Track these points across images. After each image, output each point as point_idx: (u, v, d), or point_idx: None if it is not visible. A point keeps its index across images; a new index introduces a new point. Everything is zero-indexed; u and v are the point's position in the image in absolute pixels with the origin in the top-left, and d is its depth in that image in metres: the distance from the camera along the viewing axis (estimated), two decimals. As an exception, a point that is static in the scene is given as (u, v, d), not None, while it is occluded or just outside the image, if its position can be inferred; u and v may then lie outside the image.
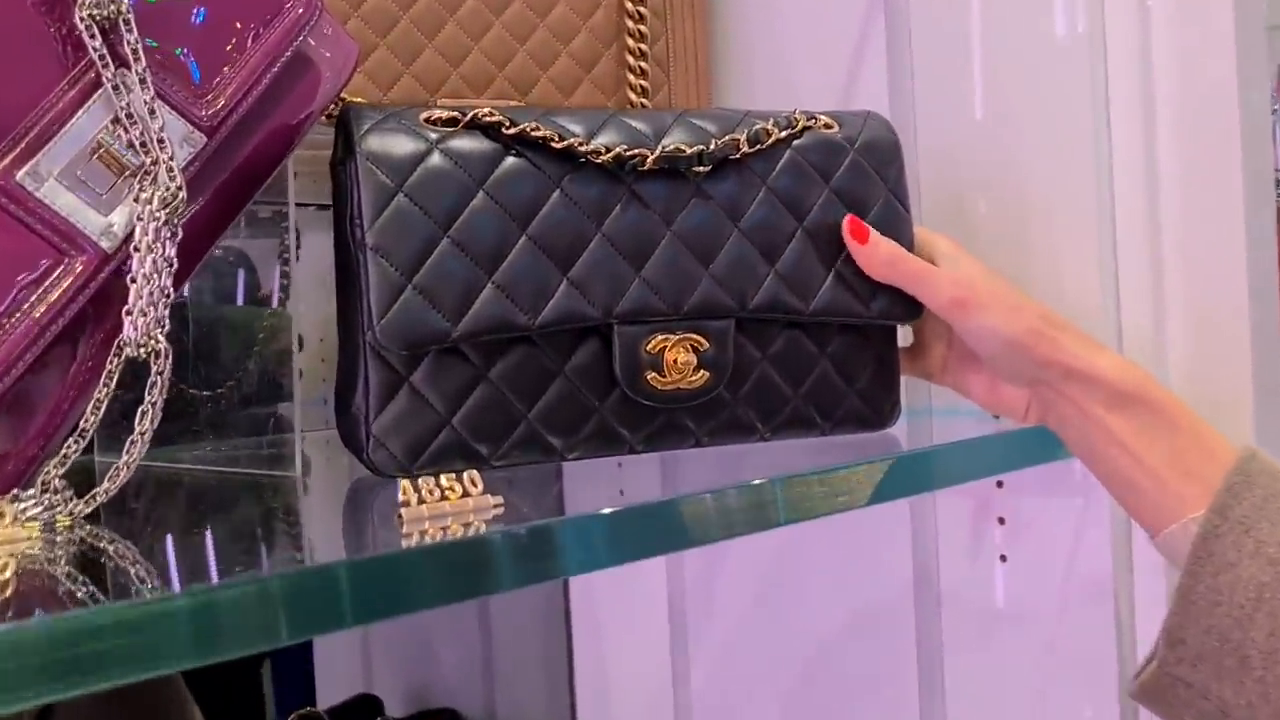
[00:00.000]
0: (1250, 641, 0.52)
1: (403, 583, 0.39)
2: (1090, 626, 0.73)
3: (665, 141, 0.60)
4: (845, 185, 0.64)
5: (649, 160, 0.59)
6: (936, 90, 0.80)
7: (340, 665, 1.36)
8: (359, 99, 0.67)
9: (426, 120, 0.57)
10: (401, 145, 0.56)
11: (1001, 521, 0.77)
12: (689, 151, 0.59)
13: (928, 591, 0.81)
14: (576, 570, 0.46)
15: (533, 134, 0.57)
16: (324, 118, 0.66)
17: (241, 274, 1.03)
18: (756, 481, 0.54)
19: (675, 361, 0.59)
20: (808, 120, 0.64)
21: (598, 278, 0.58)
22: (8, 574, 0.40)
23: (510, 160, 0.57)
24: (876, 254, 0.63)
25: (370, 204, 0.55)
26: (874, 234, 0.63)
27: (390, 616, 0.38)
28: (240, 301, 1.03)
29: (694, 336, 0.60)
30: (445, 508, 0.44)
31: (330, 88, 0.58)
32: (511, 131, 0.57)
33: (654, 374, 0.59)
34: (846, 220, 0.63)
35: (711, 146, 0.60)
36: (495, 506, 0.45)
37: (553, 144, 0.57)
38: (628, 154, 0.58)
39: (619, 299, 0.58)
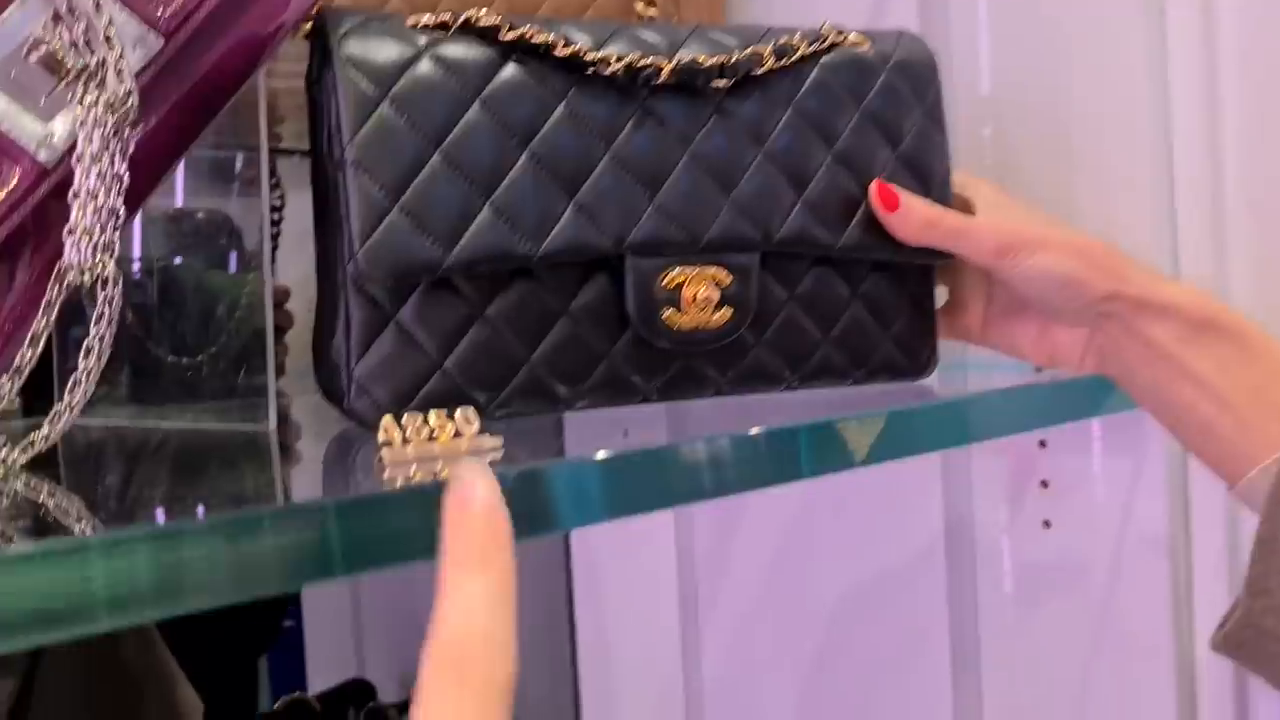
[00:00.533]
0: None
1: (372, 534, 0.33)
2: (1142, 598, 0.67)
3: (681, 54, 0.53)
4: (878, 108, 0.58)
5: (664, 72, 0.52)
6: (973, 11, 0.73)
7: (332, 649, 1.30)
8: (342, 15, 0.61)
9: (414, 25, 0.51)
10: (386, 50, 0.49)
11: (1045, 485, 0.71)
12: (708, 63, 0.53)
13: (962, 561, 0.75)
14: (572, 524, 0.39)
15: (534, 39, 0.51)
16: (302, 36, 0.60)
17: (223, 236, 0.98)
18: (777, 427, 0.48)
19: (695, 297, 0.53)
20: (837, 35, 0.58)
21: (608, 204, 0.52)
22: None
23: (509, 69, 0.51)
24: (910, 220, 0.57)
25: (350, 115, 0.48)
26: (905, 197, 0.57)
27: (330, 576, 0.32)
28: (222, 266, 0.97)
29: (715, 271, 0.54)
30: (434, 449, 0.38)
31: (302, -2, 0.52)
32: (510, 36, 0.50)
33: (671, 311, 0.53)
34: (874, 186, 0.57)
35: (733, 59, 0.54)
36: (492, 449, 0.39)
37: (556, 51, 0.51)
38: (640, 64, 0.52)
39: (632, 228, 0.52)
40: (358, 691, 1.20)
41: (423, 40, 0.50)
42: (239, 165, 0.91)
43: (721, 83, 0.54)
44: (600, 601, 1.01)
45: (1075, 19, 0.69)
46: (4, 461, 0.41)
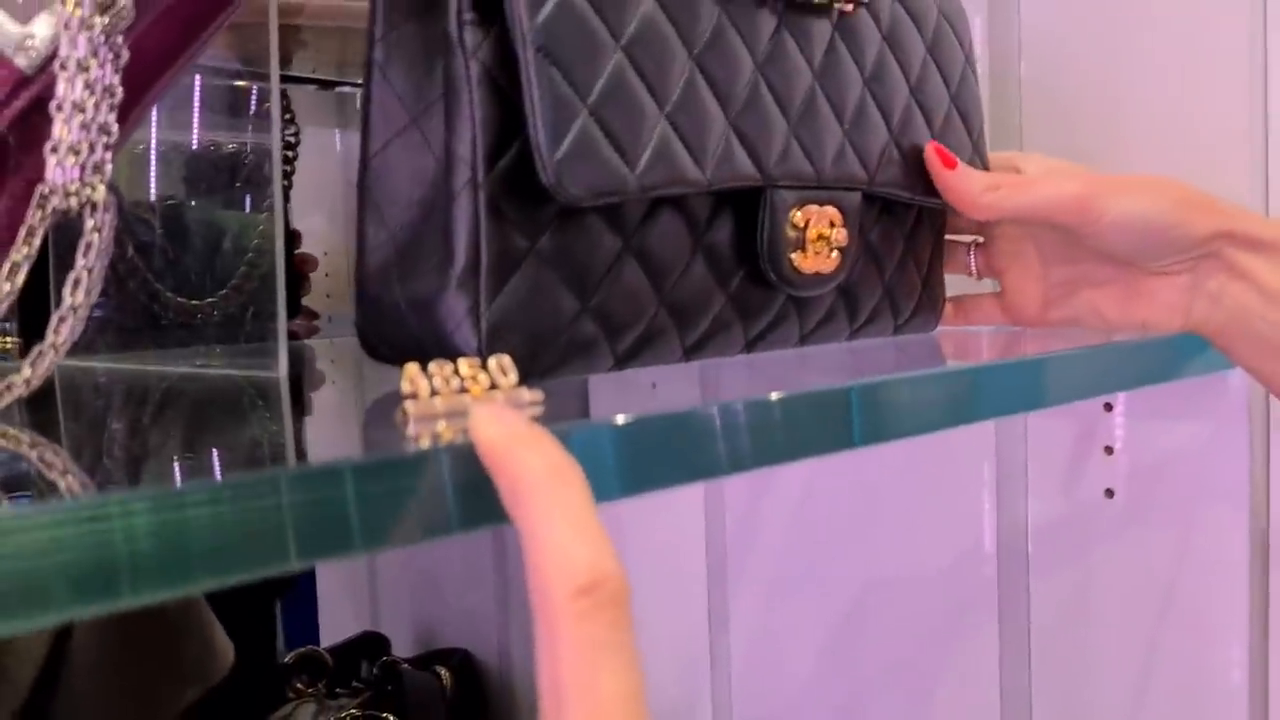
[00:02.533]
0: None
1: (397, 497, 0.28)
2: (1214, 579, 0.63)
3: None
4: (934, 45, 0.56)
5: None
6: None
7: (345, 601, 1.27)
8: (359, -78, 0.56)
9: None
10: None
11: (1109, 451, 0.66)
12: None
13: (1014, 533, 0.70)
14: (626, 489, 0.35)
15: None
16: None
17: (236, 173, 0.93)
18: (829, 388, 0.43)
19: (818, 238, 0.49)
20: None
21: (756, 128, 0.46)
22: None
23: None
24: (971, 183, 0.54)
25: None
26: (963, 164, 0.55)
27: (341, 555, 0.27)
28: (234, 205, 0.93)
29: (832, 210, 0.50)
30: (465, 402, 0.33)
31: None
32: None
33: (798, 254, 0.49)
34: (931, 147, 0.54)
35: None
36: (533, 402, 0.34)
37: None
38: None
39: (774, 157, 0.47)
40: (371, 644, 1.17)
41: None
42: (254, 97, 0.86)
43: (847, 6, 0.50)
44: (624, 554, 0.97)
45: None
46: (-20, 407, 0.37)
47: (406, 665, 1.11)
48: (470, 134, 0.40)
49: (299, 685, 1.08)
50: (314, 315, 0.99)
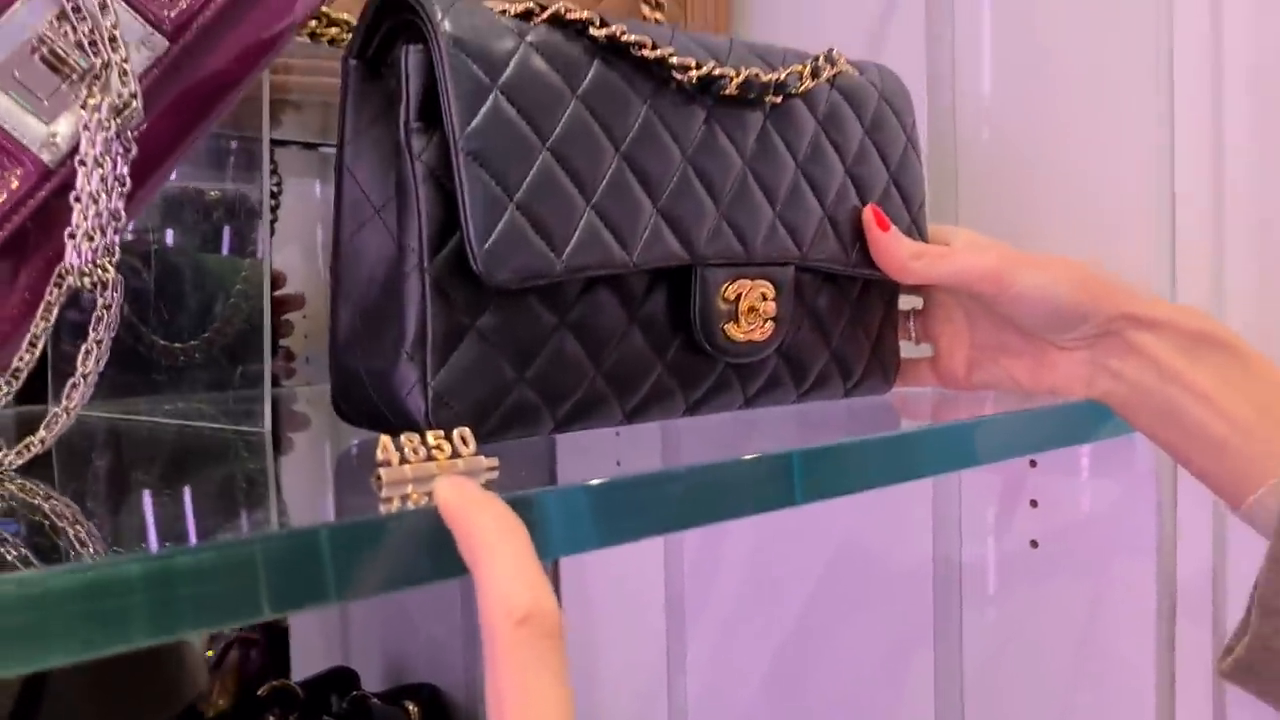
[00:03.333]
0: None
1: (367, 558, 0.33)
2: (1126, 620, 0.68)
3: (731, 64, 0.53)
4: (873, 127, 0.60)
5: (732, 84, 0.52)
6: (977, 40, 0.73)
7: (317, 637, 1.30)
8: (344, 15, 0.61)
9: (500, 12, 0.47)
10: (492, 35, 0.46)
11: (1034, 504, 0.71)
12: (765, 78, 0.53)
13: (948, 579, 0.75)
14: (563, 551, 0.39)
15: (624, 38, 0.49)
16: (307, 35, 0.59)
17: (219, 219, 0.97)
18: (774, 453, 0.48)
19: (750, 310, 0.53)
20: (843, 62, 0.59)
21: (685, 211, 0.51)
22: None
23: (599, 67, 0.49)
24: (900, 249, 0.59)
25: (463, 101, 0.44)
26: (895, 229, 0.59)
27: (324, 603, 0.32)
28: (216, 249, 0.97)
29: (763, 284, 0.54)
30: (432, 469, 0.38)
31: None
32: (601, 32, 0.48)
33: (731, 325, 0.53)
34: (869, 210, 0.59)
35: (783, 75, 0.54)
36: (489, 469, 0.39)
37: (644, 52, 0.49)
38: (714, 74, 0.51)
39: (700, 237, 0.51)
40: (341, 679, 1.20)
41: (514, 28, 0.47)
42: (234, 151, 0.91)
43: (776, 99, 0.54)
44: (586, 605, 1.01)
45: (1078, 39, 0.69)
46: (2, 464, 0.41)
47: (376, 699, 1.14)
48: (417, 226, 0.45)
49: (271, 718, 1.11)
50: (291, 356, 1.03)
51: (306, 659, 1.26)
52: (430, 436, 0.38)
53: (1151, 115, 0.67)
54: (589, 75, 0.48)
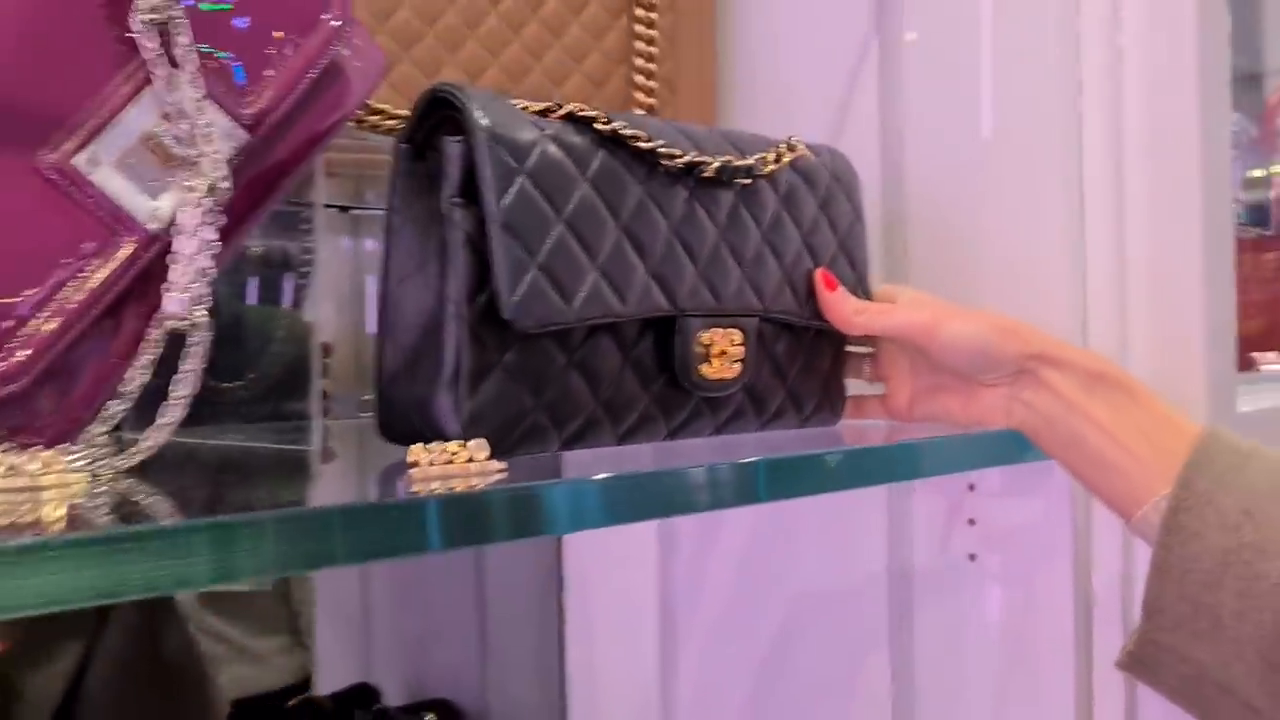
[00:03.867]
0: (1220, 604, 0.56)
1: (404, 528, 0.44)
2: (1049, 620, 0.78)
3: (708, 151, 0.65)
4: (825, 202, 0.72)
5: (710, 168, 0.64)
6: (921, 132, 0.85)
7: (340, 654, 1.40)
8: (384, 105, 0.73)
9: (523, 109, 0.59)
10: (517, 129, 0.57)
11: (972, 522, 0.82)
12: (738, 164, 0.65)
13: (902, 590, 0.86)
14: (568, 528, 0.50)
15: (623, 132, 0.61)
16: (353, 123, 0.71)
17: (263, 273, 1.08)
18: (743, 461, 0.59)
19: (722, 354, 0.64)
20: (802, 147, 0.70)
21: (669, 273, 0.62)
22: (60, 512, 0.45)
23: (603, 155, 0.60)
24: (844, 305, 0.70)
25: (497, 183, 0.56)
26: (841, 289, 0.70)
27: (391, 557, 0.43)
28: (262, 299, 1.08)
29: (735, 332, 0.65)
30: (452, 470, 0.49)
31: (359, 94, 0.64)
32: (607, 128, 0.60)
33: (705, 365, 0.64)
34: (818, 273, 0.70)
35: (751, 162, 0.66)
36: (499, 471, 0.50)
37: (639, 144, 0.61)
38: (696, 161, 0.63)
39: (684, 294, 0.63)
40: (364, 694, 1.30)
41: (538, 123, 0.59)
42: (277, 212, 1.03)
43: (746, 181, 0.66)
44: (589, 630, 1.11)
45: (1007, 132, 0.81)
46: (114, 468, 0.52)
47: (397, 712, 1.24)
48: (456, 281, 0.56)
49: (300, 730, 1.21)
50: (325, 395, 1.13)
51: (330, 676, 1.35)
52: (452, 445, 0.49)
53: (1064, 198, 0.78)
54: (595, 162, 0.60)
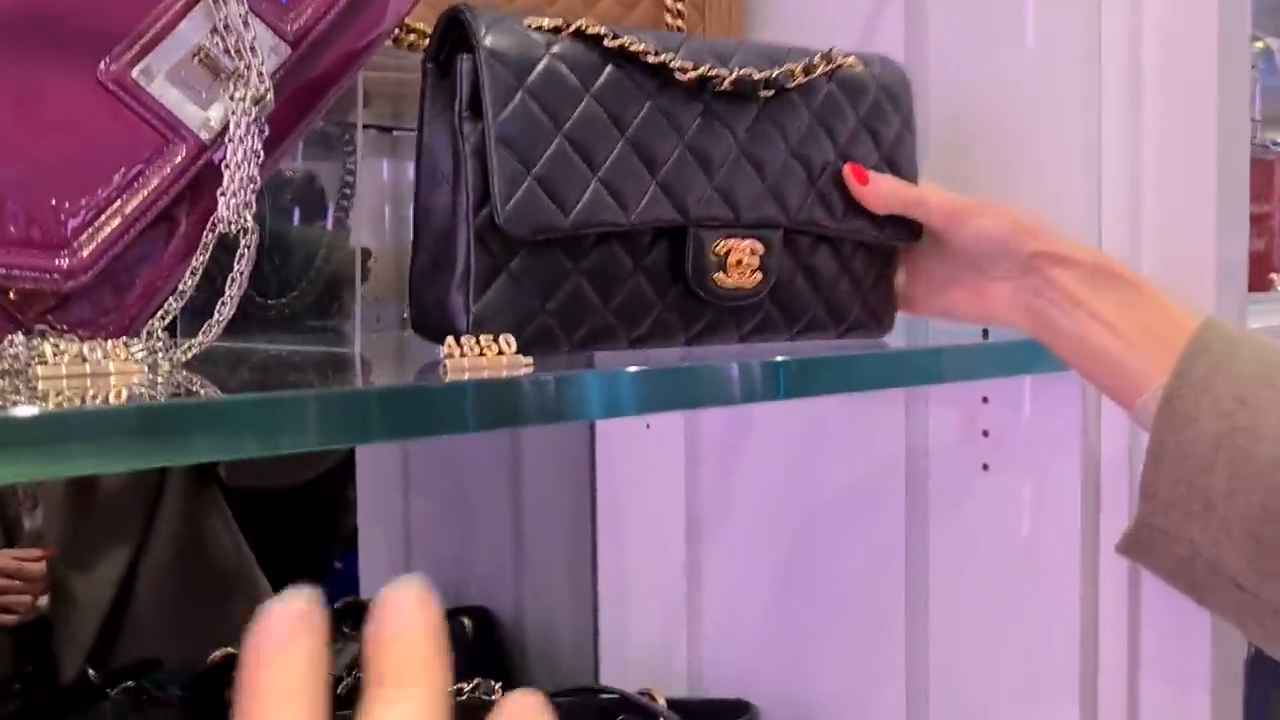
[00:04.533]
0: (1213, 486, 0.60)
1: (441, 409, 0.48)
2: (1057, 527, 0.81)
3: (733, 63, 0.66)
4: (868, 117, 0.72)
5: (726, 81, 0.65)
6: (946, 42, 0.86)
7: (384, 563, 1.46)
8: (420, 24, 0.75)
9: (533, 27, 0.62)
10: (521, 46, 0.60)
11: (985, 434, 0.85)
12: (758, 76, 0.66)
13: (919, 495, 0.89)
14: (599, 414, 0.54)
15: (632, 48, 0.62)
16: (391, 41, 0.74)
17: (305, 194, 1.12)
18: (766, 360, 0.63)
19: (739, 262, 0.66)
20: (842, 58, 0.70)
21: (679, 184, 0.64)
22: (124, 395, 0.50)
23: (610, 70, 0.62)
24: (877, 190, 0.70)
25: (496, 99, 0.59)
26: (872, 174, 0.70)
27: (425, 436, 0.47)
28: (304, 220, 1.12)
29: (752, 243, 0.67)
30: (483, 363, 0.52)
31: (397, 12, 0.66)
32: (614, 44, 0.62)
33: (720, 274, 0.65)
34: (846, 168, 0.70)
35: (774, 74, 0.67)
36: (527, 365, 0.53)
37: (648, 57, 0.62)
38: (710, 74, 0.64)
39: (695, 205, 0.65)
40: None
41: (543, 40, 0.61)
42: (319, 134, 1.06)
43: (767, 93, 0.67)
44: (619, 536, 1.16)
45: (1022, 49, 0.82)
46: (172, 360, 0.56)
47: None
48: (465, 191, 0.60)
49: (345, 629, 1.27)
50: (376, 300, 1.17)
51: (373, 584, 1.42)
52: (481, 339, 0.53)
53: (1083, 117, 0.80)
54: (602, 77, 0.62)
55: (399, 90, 0.97)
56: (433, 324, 0.63)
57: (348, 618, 1.27)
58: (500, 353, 0.53)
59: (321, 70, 0.64)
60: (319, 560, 1.86)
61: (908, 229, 0.73)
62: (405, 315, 1.23)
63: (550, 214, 0.59)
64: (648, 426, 1.10)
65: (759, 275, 0.67)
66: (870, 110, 0.72)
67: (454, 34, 0.62)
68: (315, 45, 0.62)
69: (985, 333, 0.79)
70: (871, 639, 0.91)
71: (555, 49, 0.61)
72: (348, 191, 1.21)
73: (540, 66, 0.60)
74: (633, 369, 0.57)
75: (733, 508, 1.04)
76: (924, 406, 0.87)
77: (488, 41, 0.59)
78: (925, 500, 0.88)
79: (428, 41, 0.74)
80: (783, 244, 0.68)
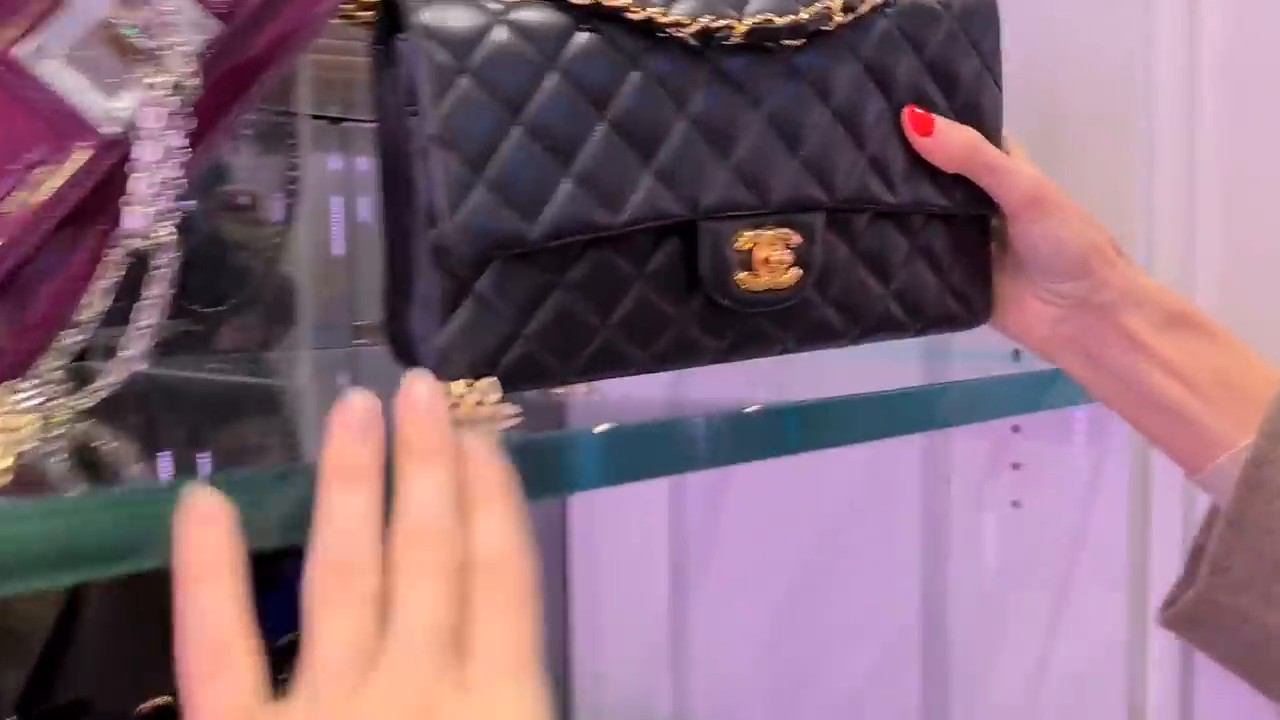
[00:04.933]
0: None
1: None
2: (1100, 577, 0.72)
3: (749, 9, 0.52)
4: (938, 57, 0.57)
5: (737, 33, 0.51)
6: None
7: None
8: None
9: None
10: (461, 17, 0.47)
11: (1016, 467, 0.76)
12: (780, 22, 0.52)
13: (937, 537, 0.80)
14: (573, 489, 0.44)
15: (608, 3, 0.49)
16: (341, 19, 0.63)
17: (243, 191, 1.01)
18: (756, 408, 0.53)
19: (767, 260, 0.52)
20: None
21: (683, 169, 0.51)
22: (6, 462, 0.39)
23: (582, 34, 0.49)
24: (946, 141, 0.56)
25: (430, 88, 0.47)
26: (941, 122, 0.57)
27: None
28: (243, 219, 1.01)
29: (784, 231, 0.53)
30: (458, 415, 0.42)
31: (347, -17, 0.56)
32: (584, 0, 0.49)
33: (745, 274, 0.52)
34: (906, 112, 0.56)
35: (803, 17, 0.53)
36: (510, 417, 0.43)
37: (630, 13, 0.49)
38: (715, 27, 0.51)
39: (705, 192, 0.51)
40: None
41: (495, 6, 0.48)
42: (258, 125, 0.95)
43: (794, 41, 0.53)
44: (594, 566, 1.06)
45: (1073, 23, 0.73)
46: (71, 407, 0.46)
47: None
48: (417, 199, 0.48)
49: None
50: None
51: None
52: (458, 385, 0.42)
53: (1134, 108, 0.71)
54: (571, 45, 0.49)
55: (348, 75, 0.86)
56: (403, 350, 0.51)
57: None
58: (479, 403, 0.43)
59: (258, 50, 0.53)
60: (267, 593, 1.74)
61: (985, 197, 0.58)
62: (356, 324, 1.14)
63: (510, 225, 0.47)
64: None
65: (797, 271, 0.53)
66: (941, 46, 0.57)
67: (393, 10, 0.50)
68: (251, 19, 0.51)
69: (1016, 353, 0.70)
70: (883, 695, 0.82)
71: (511, 15, 0.48)
72: (292, 188, 1.11)
73: (487, 40, 0.47)
74: (601, 429, 0.47)
75: (722, 544, 0.94)
76: (945, 434, 0.78)
77: (420, 17, 0.47)
78: (946, 540, 0.79)
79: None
80: (829, 228, 0.55)
